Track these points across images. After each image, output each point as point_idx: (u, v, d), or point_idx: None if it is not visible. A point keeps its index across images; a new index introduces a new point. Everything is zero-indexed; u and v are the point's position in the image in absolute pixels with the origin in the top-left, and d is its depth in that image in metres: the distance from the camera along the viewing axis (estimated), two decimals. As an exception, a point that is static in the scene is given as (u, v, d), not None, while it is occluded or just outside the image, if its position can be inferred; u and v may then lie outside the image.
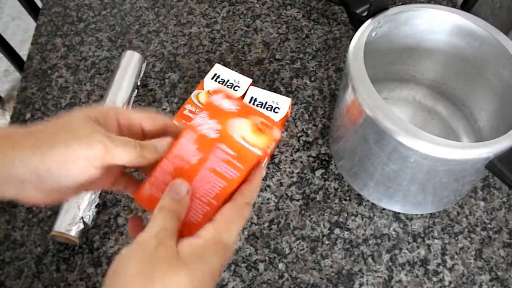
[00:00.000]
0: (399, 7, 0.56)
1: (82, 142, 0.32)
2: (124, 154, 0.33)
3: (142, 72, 0.72)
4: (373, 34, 0.55)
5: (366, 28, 0.54)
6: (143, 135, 0.38)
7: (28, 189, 0.32)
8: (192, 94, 0.66)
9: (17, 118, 0.69)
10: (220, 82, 0.68)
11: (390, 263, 0.58)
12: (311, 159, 0.65)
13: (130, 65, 0.69)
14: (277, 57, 0.76)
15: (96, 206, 0.59)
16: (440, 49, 0.60)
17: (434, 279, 0.57)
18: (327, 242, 0.59)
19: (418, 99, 0.68)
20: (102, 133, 0.33)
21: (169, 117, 0.40)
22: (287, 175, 0.64)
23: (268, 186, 0.63)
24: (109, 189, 0.39)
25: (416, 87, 0.68)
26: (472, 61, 0.58)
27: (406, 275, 0.57)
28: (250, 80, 0.68)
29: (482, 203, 0.62)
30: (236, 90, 0.67)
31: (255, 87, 0.67)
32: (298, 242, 0.59)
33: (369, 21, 0.55)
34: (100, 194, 0.62)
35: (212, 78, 0.68)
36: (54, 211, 0.61)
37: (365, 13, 0.57)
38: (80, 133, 0.32)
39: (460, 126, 0.64)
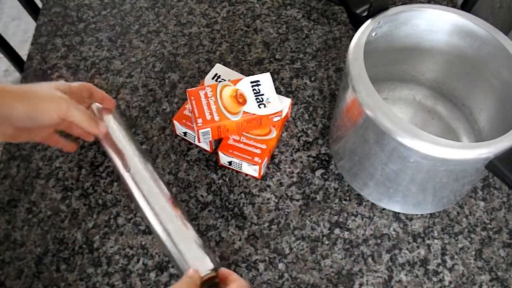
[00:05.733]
0: (399, 7, 0.56)
1: (54, 101, 0.49)
2: (80, 116, 0.51)
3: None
4: (373, 34, 0.55)
5: (366, 28, 0.54)
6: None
7: (7, 126, 0.49)
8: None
9: (17, 118, 0.69)
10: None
11: (390, 263, 0.58)
12: (311, 159, 0.65)
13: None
14: (277, 57, 0.76)
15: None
16: (440, 49, 0.60)
17: (434, 279, 0.57)
18: (327, 242, 0.59)
19: (418, 99, 0.68)
20: (67, 98, 0.50)
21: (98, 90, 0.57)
22: (287, 175, 0.64)
23: (268, 186, 0.63)
24: (46, 140, 0.56)
25: (416, 87, 0.68)
26: (472, 61, 0.58)
27: (406, 275, 0.57)
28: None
29: (482, 203, 0.62)
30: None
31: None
32: (298, 242, 0.59)
33: (369, 21, 0.55)
34: (100, 194, 0.62)
35: (213, 78, 0.68)
36: (54, 211, 0.61)
37: (365, 13, 0.57)
38: (53, 96, 0.50)
39: (460, 126, 0.64)
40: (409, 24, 0.57)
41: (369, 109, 0.48)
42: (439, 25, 0.57)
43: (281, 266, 0.57)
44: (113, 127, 0.57)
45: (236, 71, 0.72)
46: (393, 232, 0.60)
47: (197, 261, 0.48)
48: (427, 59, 0.63)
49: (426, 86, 0.67)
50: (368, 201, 0.62)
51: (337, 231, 0.60)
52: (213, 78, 0.68)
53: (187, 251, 0.49)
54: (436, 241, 0.59)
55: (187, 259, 0.48)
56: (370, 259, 0.58)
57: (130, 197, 0.55)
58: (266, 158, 0.62)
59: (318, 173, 0.64)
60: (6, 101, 0.47)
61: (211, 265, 0.47)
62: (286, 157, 0.66)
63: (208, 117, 0.60)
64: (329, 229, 0.60)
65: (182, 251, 0.49)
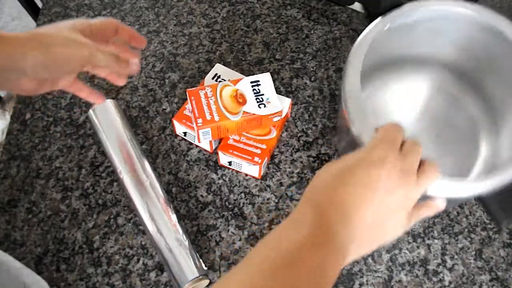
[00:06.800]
0: (414, 3, 0.54)
1: (73, 46, 0.43)
2: (106, 60, 0.45)
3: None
4: (385, 28, 0.53)
5: (376, 25, 0.53)
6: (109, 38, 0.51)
7: (25, 80, 0.43)
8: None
9: (17, 118, 0.69)
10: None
11: (390, 263, 0.58)
12: (311, 159, 0.65)
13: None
14: (277, 57, 0.76)
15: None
16: (454, 46, 0.58)
17: (434, 279, 0.57)
18: (327, 242, 0.59)
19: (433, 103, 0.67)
20: (88, 43, 0.44)
21: (120, 23, 0.51)
22: (287, 175, 0.64)
23: (268, 186, 0.63)
24: (68, 88, 0.49)
25: (434, 78, 0.65)
26: (489, 58, 0.56)
27: (406, 275, 0.57)
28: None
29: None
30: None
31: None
32: (298, 242, 0.59)
33: (379, 18, 0.54)
34: (100, 194, 0.62)
35: (213, 78, 0.68)
36: (54, 211, 0.61)
37: (377, 10, 0.56)
38: (72, 40, 0.43)
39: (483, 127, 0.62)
40: (422, 20, 0.56)
41: (356, 129, 0.47)
42: (454, 20, 0.55)
43: (281, 266, 0.57)
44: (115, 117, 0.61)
45: (236, 71, 0.72)
46: (393, 232, 0.60)
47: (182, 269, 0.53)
48: (440, 57, 0.61)
49: (446, 80, 0.64)
50: (368, 201, 0.62)
51: (337, 231, 0.60)
52: (213, 78, 0.68)
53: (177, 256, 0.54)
54: (436, 241, 0.59)
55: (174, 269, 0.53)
56: (370, 259, 0.58)
57: (123, 189, 0.60)
58: (266, 158, 0.62)
59: (318, 173, 0.64)
60: (18, 51, 0.40)
61: (195, 273, 0.53)
62: (286, 157, 0.66)
63: (208, 117, 0.60)
64: (329, 229, 0.60)
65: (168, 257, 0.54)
